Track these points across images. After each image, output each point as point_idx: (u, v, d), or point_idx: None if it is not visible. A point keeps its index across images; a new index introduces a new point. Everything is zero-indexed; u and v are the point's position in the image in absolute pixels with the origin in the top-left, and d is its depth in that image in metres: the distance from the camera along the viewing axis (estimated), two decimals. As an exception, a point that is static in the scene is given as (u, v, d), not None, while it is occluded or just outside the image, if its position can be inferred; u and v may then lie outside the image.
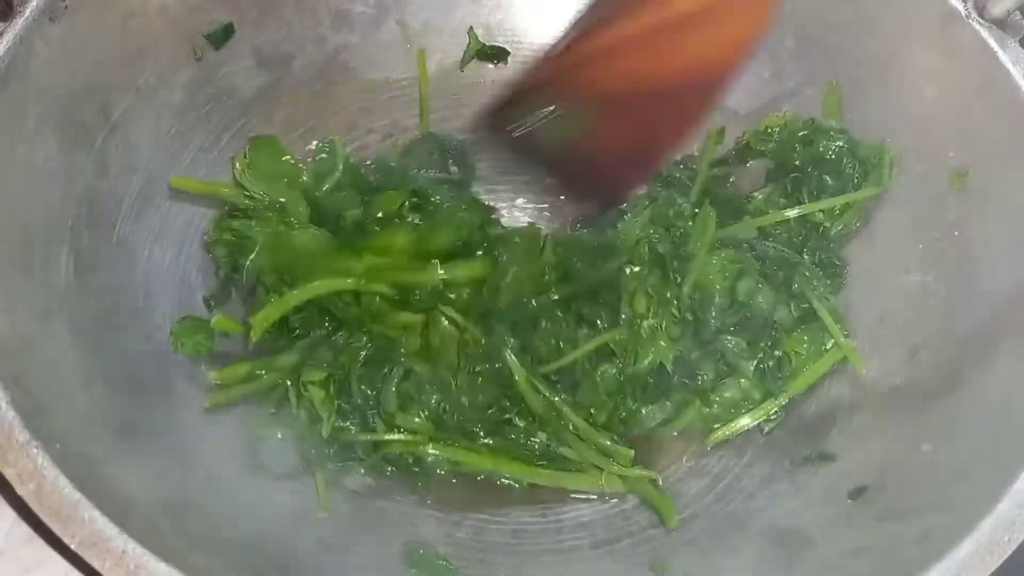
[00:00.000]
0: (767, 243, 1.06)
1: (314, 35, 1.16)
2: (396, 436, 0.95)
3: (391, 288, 1.02)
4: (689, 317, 1.01)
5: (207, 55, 1.07)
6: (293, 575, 0.82)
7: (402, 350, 0.99)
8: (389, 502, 0.97)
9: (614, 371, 0.99)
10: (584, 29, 0.84)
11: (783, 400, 1.01)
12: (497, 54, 1.23)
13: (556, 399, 0.98)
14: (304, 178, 1.11)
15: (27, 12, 0.87)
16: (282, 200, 1.06)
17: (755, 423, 1.02)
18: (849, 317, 1.06)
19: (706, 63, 0.80)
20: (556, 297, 1.02)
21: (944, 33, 0.98)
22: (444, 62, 1.23)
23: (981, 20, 0.95)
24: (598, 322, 1.02)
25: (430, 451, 0.96)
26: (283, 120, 1.16)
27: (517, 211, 1.20)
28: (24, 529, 0.83)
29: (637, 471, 0.97)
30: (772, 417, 1.02)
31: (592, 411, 1.00)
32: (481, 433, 0.99)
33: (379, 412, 0.96)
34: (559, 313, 1.02)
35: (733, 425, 1.01)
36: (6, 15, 0.87)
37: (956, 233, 0.98)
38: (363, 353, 0.97)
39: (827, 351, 1.03)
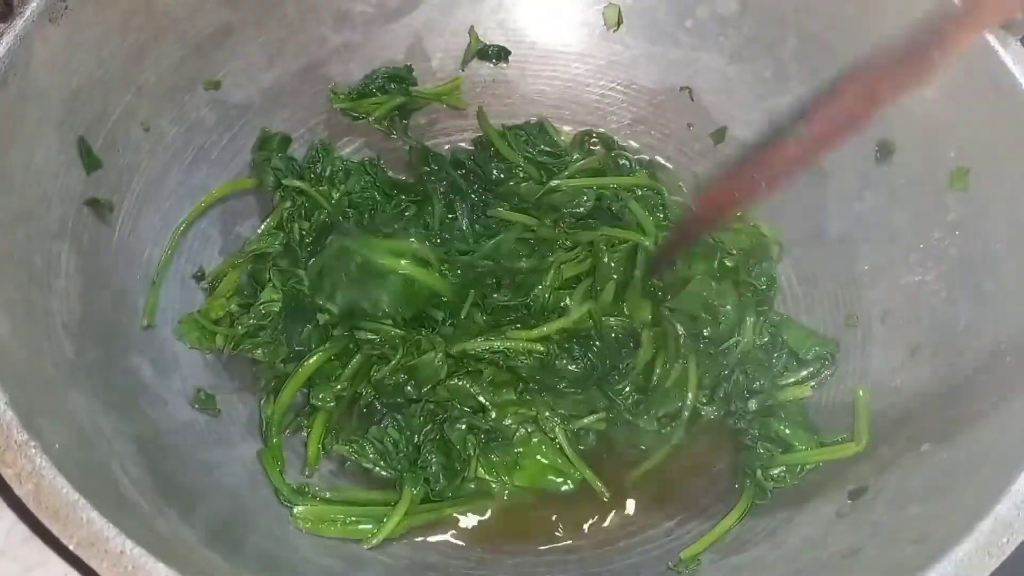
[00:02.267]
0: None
1: (316, 35, 1.17)
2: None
3: None
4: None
5: (208, 54, 1.07)
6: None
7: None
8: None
9: None
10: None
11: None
12: (498, 53, 1.23)
13: None
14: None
15: (27, 13, 0.87)
16: None
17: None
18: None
19: None
20: None
21: (945, 32, 0.97)
22: (445, 61, 1.23)
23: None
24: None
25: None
26: (284, 120, 1.16)
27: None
28: (25, 528, 0.83)
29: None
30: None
31: None
32: None
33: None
34: None
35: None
36: (6, 16, 0.87)
37: (957, 233, 0.98)
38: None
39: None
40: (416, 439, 0.97)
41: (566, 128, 1.24)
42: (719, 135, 1.19)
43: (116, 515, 0.69)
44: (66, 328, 0.86)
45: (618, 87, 1.23)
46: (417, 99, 1.21)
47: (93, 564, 0.67)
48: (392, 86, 1.20)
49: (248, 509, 0.90)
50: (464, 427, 0.98)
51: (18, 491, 0.69)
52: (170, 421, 0.92)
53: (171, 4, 1.02)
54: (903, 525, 0.82)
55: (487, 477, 0.98)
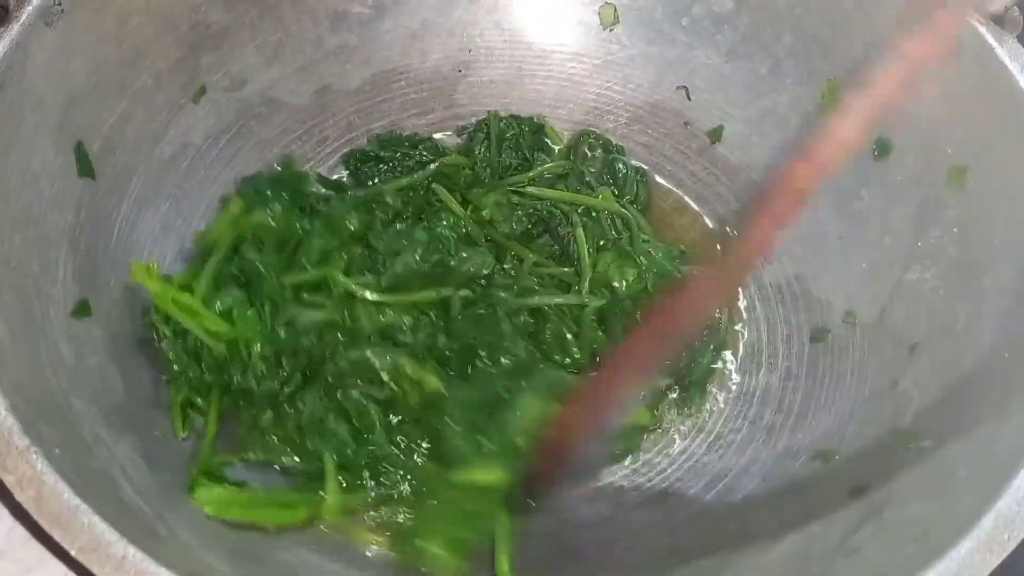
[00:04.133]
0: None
1: (312, 36, 1.16)
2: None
3: None
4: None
5: (205, 56, 1.07)
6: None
7: None
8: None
9: None
10: None
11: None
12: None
13: None
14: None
15: (23, 17, 0.87)
16: None
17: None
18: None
19: None
20: None
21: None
22: (443, 62, 1.23)
23: (979, 16, 0.95)
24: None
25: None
26: (280, 122, 1.16)
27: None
28: (25, 529, 0.83)
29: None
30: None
31: None
32: None
33: None
34: None
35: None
36: (2, 20, 0.87)
37: (955, 230, 0.98)
38: None
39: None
40: (316, 411, 0.92)
41: (564, 132, 1.24)
42: (715, 133, 1.19)
43: (118, 520, 0.69)
44: (65, 333, 0.86)
45: (615, 86, 1.23)
46: None
47: (95, 570, 0.66)
48: None
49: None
50: (358, 394, 0.93)
51: (19, 497, 0.69)
52: (171, 424, 0.92)
53: (167, 6, 1.02)
54: (904, 523, 0.82)
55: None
